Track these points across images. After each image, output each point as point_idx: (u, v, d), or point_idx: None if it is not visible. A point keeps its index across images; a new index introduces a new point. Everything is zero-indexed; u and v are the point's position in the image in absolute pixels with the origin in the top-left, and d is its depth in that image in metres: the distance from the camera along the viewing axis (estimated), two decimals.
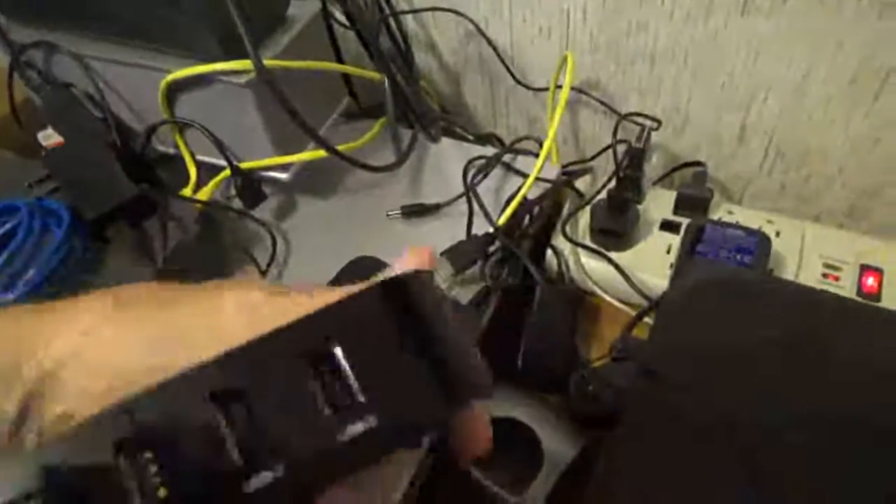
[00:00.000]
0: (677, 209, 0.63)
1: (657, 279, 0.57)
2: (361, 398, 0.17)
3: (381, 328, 0.18)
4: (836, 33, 0.54)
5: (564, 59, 0.62)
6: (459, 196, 0.62)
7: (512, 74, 0.70)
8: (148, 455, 0.17)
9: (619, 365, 0.54)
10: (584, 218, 0.63)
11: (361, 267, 0.56)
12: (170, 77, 0.52)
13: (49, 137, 0.56)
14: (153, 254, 0.52)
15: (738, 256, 0.54)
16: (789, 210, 0.70)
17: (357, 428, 0.17)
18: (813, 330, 0.39)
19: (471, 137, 0.73)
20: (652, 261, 0.59)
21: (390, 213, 0.62)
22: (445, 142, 0.69)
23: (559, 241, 0.62)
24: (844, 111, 0.59)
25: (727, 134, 0.66)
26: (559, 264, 0.61)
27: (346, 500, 0.20)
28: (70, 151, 0.55)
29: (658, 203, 0.64)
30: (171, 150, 0.61)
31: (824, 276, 0.57)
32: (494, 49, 0.69)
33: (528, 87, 0.71)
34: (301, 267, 0.59)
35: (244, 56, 0.48)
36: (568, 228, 0.62)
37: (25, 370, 0.21)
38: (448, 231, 0.58)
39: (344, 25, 0.62)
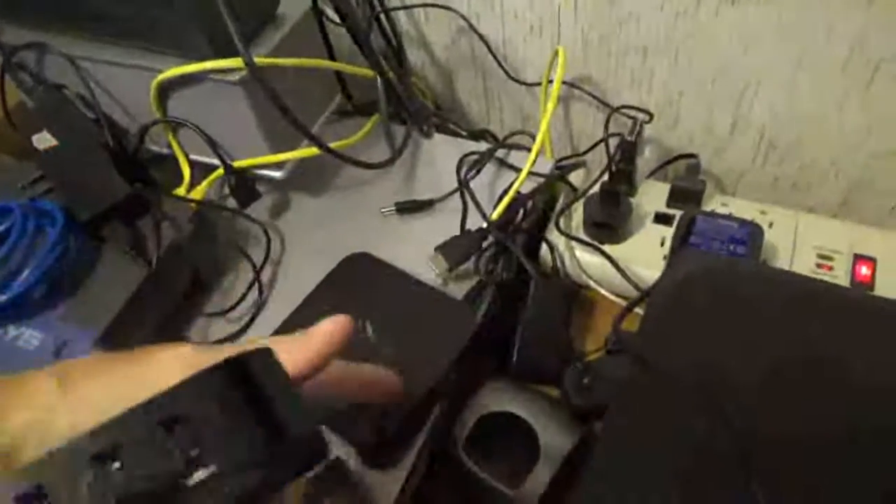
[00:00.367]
0: (671, 202, 0.63)
1: (651, 272, 0.58)
2: (203, 452, 0.22)
3: (223, 399, 0.23)
4: (826, 22, 0.54)
5: (556, 54, 0.62)
6: (453, 192, 0.62)
7: (504, 70, 0.71)
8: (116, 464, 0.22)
9: (614, 357, 0.54)
10: (578, 212, 0.63)
11: (356, 264, 0.56)
12: (161, 76, 0.52)
13: (44, 141, 0.56)
14: (147, 254, 0.52)
15: (731, 247, 0.55)
16: (783, 201, 0.70)
17: (200, 474, 0.22)
18: (805, 319, 0.39)
19: (464, 133, 0.73)
20: (646, 253, 0.59)
21: (384, 209, 0.62)
22: (439, 138, 0.69)
23: (553, 235, 0.62)
24: (836, 100, 0.59)
25: (720, 126, 0.66)
26: (553, 258, 0.61)
27: None
28: (63, 152, 0.55)
29: (651, 196, 0.64)
30: (165, 150, 0.61)
31: (818, 266, 0.57)
32: (486, 45, 0.69)
33: (520, 83, 0.71)
34: (295, 265, 0.59)
35: (235, 54, 0.48)
36: (562, 222, 0.62)
37: None
38: (442, 226, 0.58)
39: (335, 23, 0.62)
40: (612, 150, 0.63)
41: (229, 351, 0.26)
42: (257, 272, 0.57)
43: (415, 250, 0.57)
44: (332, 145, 0.56)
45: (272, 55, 0.53)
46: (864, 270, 0.56)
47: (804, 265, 0.57)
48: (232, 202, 0.60)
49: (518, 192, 0.60)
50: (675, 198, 0.63)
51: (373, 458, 0.46)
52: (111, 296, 0.50)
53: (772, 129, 0.64)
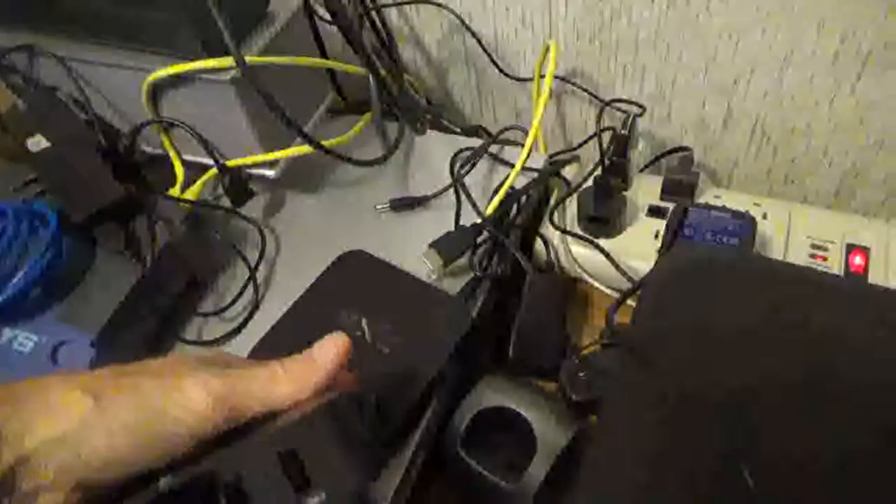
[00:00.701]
0: (664, 195, 0.63)
1: (646, 264, 0.58)
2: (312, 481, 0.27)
3: (327, 434, 0.28)
4: (816, 12, 0.54)
5: (547, 49, 0.62)
6: (447, 188, 0.62)
7: (497, 66, 0.71)
8: None
9: (610, 351, 0.54)
10: (572, 206, 0.63)
11: (351, 262, 0.56)
12: (152, 77, 0.52)
13: (38, 145, 0.56)
14: (141, 254, 0.52)
15: (725, 239, 0.55)
16: (777, 193, 0.70)
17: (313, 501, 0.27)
18: (797, 306, 0.39)
19: (457, 130, 0.73)
20: (640, 246, 0.60)
21: (378, 206, 0.62)
22: (432, 134, 0.69)
23: (547, 229, 0.62)
24: (828, 91, 0.59)
25: (712, 118, 0.66)
26: (548, 252, 0.61)
27: None
28: (56, 154, 0.55)
29: (645, 189, 0.64)
30: (158, 151, 0.61)
31: (812, 256, 0.57)
32: (478, 41, 0.69)
33: (513, 78, 0.71)
34: (291, 263, 0.59)
35: (226, 54, 0.48)
36: (556, 217, 0.62)
37: (5, 450, 0.25)
38: (436, 223, 0.58)
39: (326, 21, 0.62)
40: (605, 143, 0.63)
41: (242, 375, 0.31)
42: (252, 271, 0.57)
43: (409, 247, 0.57)
44: (326, 143, 0.56)
45: (263, 54, 0.53)
46: (858, 260, 0.57)
47: (798, 256, 0.57)
48: (226, 202, 0.60)
49: (512, 188, 0.60)
50: (668, 191, 0.63)
51: (370, 455, 0.46)
52: (106, 297, 0.50)
53: (764, 121, 0.64)
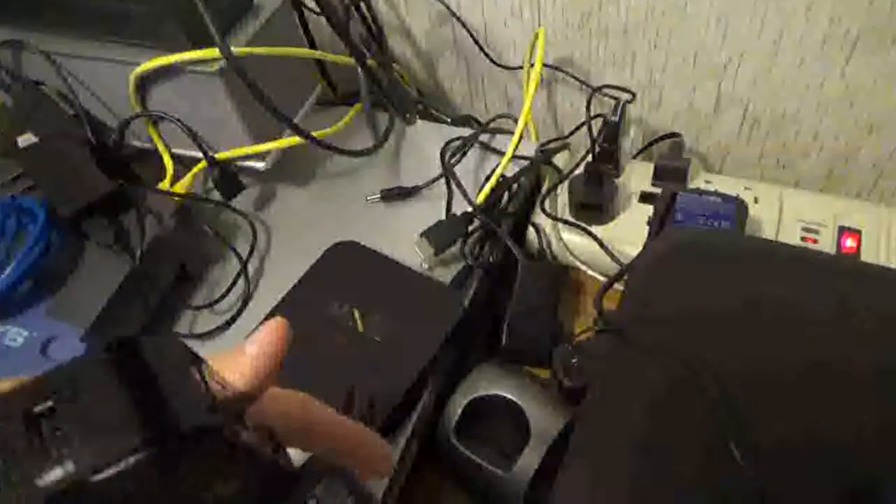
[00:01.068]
0: (656, 181, 0.63)
1: (638, 251, 0.57)
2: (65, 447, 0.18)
3: (101, 387, 0.19)
4: None
5: (536, 36, 0.62)
6: (438, 177, 0.62)
7: (486, 55, 0.70)
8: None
9: (603, 337, 0.54)
10: (563, 193, 0.63)
11: (342, 252, 0.56)
12: (138, 69, 0.52)
13: (28, 141, 0.56)
14: (131, 248, 0.51)
15: (716, 224, 0.55)
16: (768, 177, 0.70)
17: (56, 473, 0.18)
18: (786, 286, 0.39)
19: (447, 119, 0.73)
20: (632, 233, 0.60)
21: (369, 197, 0.62)
22: (422, 124, 0.69)
23: (539, 217, 0.62)
24: (817, 75, 0.59)
25: (703, 104, 0.66)
26: (540, 240, 0.61)
27: None
28: (44, 149, 0.55)
29: (637, 175, 0.64)
30: (147, 145, 0.61)
31: (803, 239, 0.58)
32: (468, 30, 0.69)
33: (502, 67, 0.71)
34: (282, 255, 0.59)
35: (212, 45, 0.48)
36: (547, 204, 0.62)
37: None
38: (428, 213, 0.58)
39: (314, 11, 0.62)
40: (595, 131, 0.63)
41: None
42: (243, 264, 0.57)
43: (401, 237, 0.57)
44: (316, 134, 0.56)
45: (250, 45, 0.53)
46: (850, 242, 0.57)
47: (789, 239, 0.57)
48: (216, 195, 0.60)
49: (503, 176, 0.60)
50: (660, 177, 0.63)
51: None
52: (96, 291, 0.49)
53: (755, 105, 0.64)
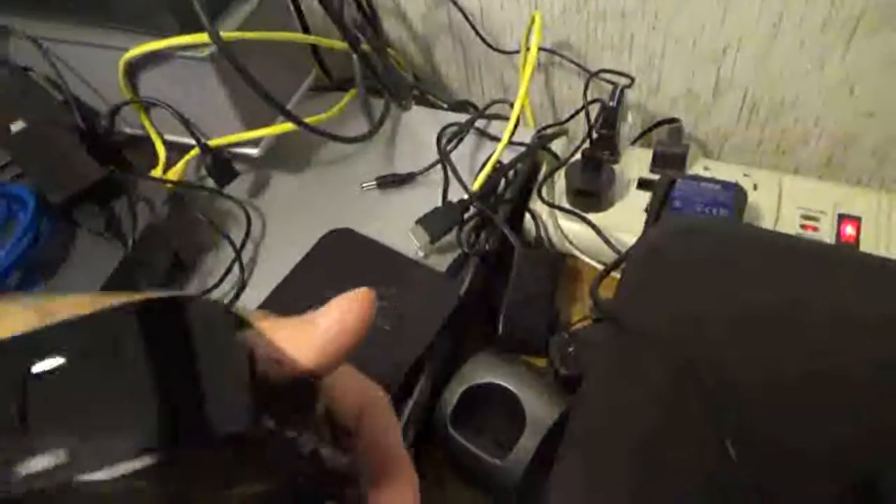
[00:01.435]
0: (654, 167, 0.62)
1: (636, 238, 0.57)
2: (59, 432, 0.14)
3: (119, 354, 0.15)
4: None
5: (533, 20, 0.61)
6: (433, 164, 0.61)
7: (483, 39, 0.69)
8: None
9: (599, 326, 0.54)
10: (560, 180, 0.62)
11: (337, 240, 0.55)
12: (128, 55, 0.51)
13: (18, 128, 0.55)
14: (123, 236, 0.51)
15: (715, 210, 0.54)
16: (768, 163, 0.70)
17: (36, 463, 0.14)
18: (786, 276, 0.38)
19: (443, 105, 0.72)
20: (630, 220, 0.59)
21: (365, 184, 0.61)
22: (418, 110, 0.68)
23: (536, 204, 0.61)
24: (817, 59, 0.58)
25: (702, 89, 0.65)
26: (537, 228, 0.60)
27: None
28: (33, 135, 0.54)
29: (635, 162, 0.64)
30: (139, 131, 0.60)
31: (802, 227, 0.57)
32: (464, 14, 0.68)
33: (499, 52, 0.70)
34: (276, 243, 0.59)
35: (202, 29, 0.47)
36: (544, 191, 0.61)
37: None
38: (423, 199, 0.58)
39: None
40: (593, 116, 0.62)
41: None
42: (238, 251, 0.56)
43: (396, 224, 0.56)
44: (309, 120, 0.56)
45: (241, 29, 0.52)
46: (849, 230, 0.56)
47: (789, 226, 0.57)
48: (210, 182, 0.59)
49: (499, 162, 0.59)
50: (658, 163, 0.62)
51: None
52: (88, 280, 0.49)
53: (754, 91, 0.63)
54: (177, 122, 0.56)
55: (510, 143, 0.60)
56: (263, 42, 0.54)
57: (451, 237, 0.56)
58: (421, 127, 0.67)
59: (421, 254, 0.55)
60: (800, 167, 0.68)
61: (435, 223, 0.55)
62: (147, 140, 0.60)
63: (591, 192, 0.59)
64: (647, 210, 0.59)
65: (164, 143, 0.60)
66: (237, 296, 0.55)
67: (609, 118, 0.60)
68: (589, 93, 0.64)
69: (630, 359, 0.37)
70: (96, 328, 0.15)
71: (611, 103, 0.60)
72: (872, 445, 0.32)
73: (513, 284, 0.55)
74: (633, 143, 0.69)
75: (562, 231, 0.60)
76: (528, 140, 0.63)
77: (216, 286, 0.55)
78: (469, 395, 0.49)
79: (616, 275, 0.48)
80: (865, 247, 0.55)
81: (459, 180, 0.58)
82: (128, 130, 0.61)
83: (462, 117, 0.66)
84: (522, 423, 0.46)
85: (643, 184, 0.62)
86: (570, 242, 0.60)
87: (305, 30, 0.63)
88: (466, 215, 0.56)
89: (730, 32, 0.59)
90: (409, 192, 0.61)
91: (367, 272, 0.53)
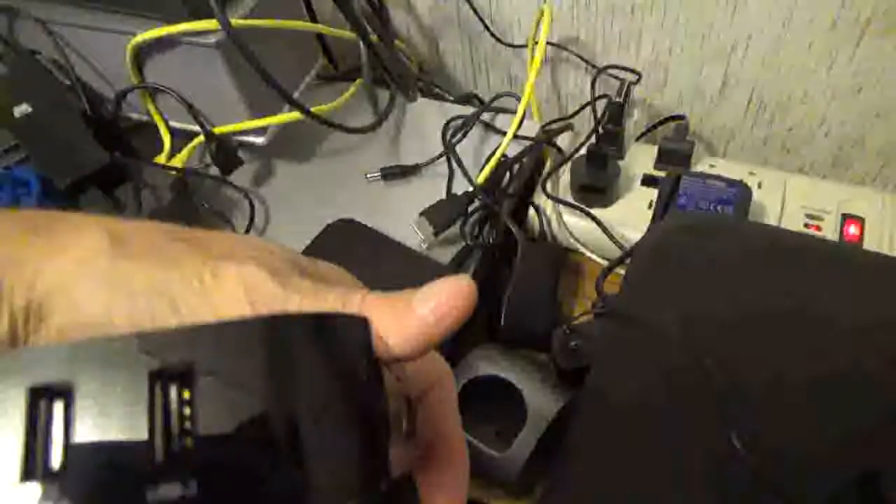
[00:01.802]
0: (659, 164, 0.62)
1: (640, 234, 0.57)
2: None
3: (262, 371, 0.15)
4: None
5: (542, 13, 0.61)
6: (439, 156, 0.61)
7: (490, 32, 0.69)
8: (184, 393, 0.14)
9: (602, 320, 0.54)
10: (565, 175, 0.62)
11: (341, 231, 0.55)
12: (136, 40, 0.51)
13: (24, 112, 0.55)
14: None
15: (719, 208, 0.54)
16: (773, 162, 0.70)
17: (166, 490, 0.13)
18: (790, 273, 0.38)
19: (450, 97, 0.72)
20: (634, 216, 0.59)
21: (369, 175, 0.61)
22: (424, 102, 0.68)
23: (540, 198, 0.61)
24: (826, 59, 0.58)
25: (709, 86, 0.65)
26: (540, 222, 0.60)
27: None
28: (39, 120, 0.54)
29: (640, 158, 0.63)
30: (144, 117, 0.60)
31: (806, 226, 0.57)
32: (472, 6, 0.68)
33: (506, 45, 0.70)
34: (280, 232, 0.59)
35: (211, 16, 0.47)
36: (549, 186, 0.61)
37: (13, 295, 0.18)
38: (428, 192, 0.58)
39: None
40: (599, 111, 0.62)
41: (312, 292, 0.19)
42: None
43: (400, 215, 0.56)
44: (315, 110, 0.55)
45: (250, 17, 0.52)
46: (853, 230, 0.56)
47: (792, 225, 0.57)
48: (214, 170, 0.59)
49: (504, 156, 0.59)
50: (663, 159, 0.62)
51: None
52: None
53: (761, 89, 0.63)
54: (182, 109, 0.56)
55: (516, 136, 0.60)
56: (271, 30, 0.54)
57: (454, 230, 0.56)
58: (427, 119, 0.66)
59: (424, 246, 0.55)
60: (805, 166, 0.68)
61: (439, 215, 0.55)
62: (152, 126, 0.60)
63: (596, 188, 0.59)
64: (651, 206, 0.59)
65: (170, 129, 0.59)
66: None
67: (615, 114, 0.60)
68: (596, 88, 0.63)
69: (636, 354, 0.37)
70: (230, 338, 0.15)
71: (617, 99, 0.60)
72: (876, 442, 0.32)
73: (516, 278, 0.55)
74: (639, 139, 0.69)
75: (565, 226, 0.60)
76: (533, 134, 0.63)
77: None
78: (470, 387, 0.49)
79: (620, 270, 0.48)
80: (868, 247, 0.55)
81: (464, 173, 0.58)
82: (133, 116, 0.61)
83: (468, 110, 0.66)
84: (523, 417, 0.46)
85: (648, 180, 0.62)
86: (574, 237, 0.60)
87: (313, 18, 0.63)
88: (471, 208, 0.56)
89: (738, 30, 0.59)
90: (413, 184, 0.61)
91: (370, 263, 0.53)
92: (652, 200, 0.60)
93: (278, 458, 0.14)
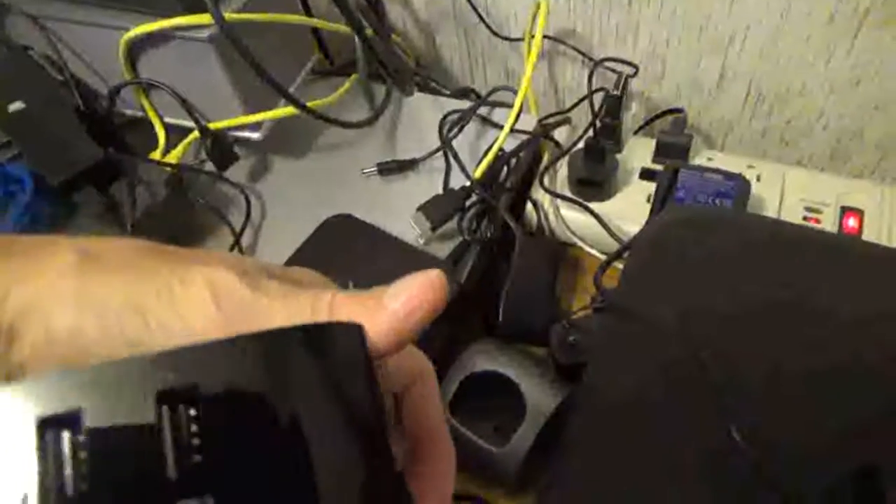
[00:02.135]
0: (657, 157, 0.62)
1: (637, 228, 0.56)
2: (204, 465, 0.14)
3: (266, 386, 0.15)
4: None
5: (538, 6, 0.61)
6: (436, 151, 0.61)
7: (487, 25, 0.69)
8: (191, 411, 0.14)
9: (600, 315, 0.53)
10: (563, 169, 0.62)
11: (337, 226, 0.55)
12: (128, 35, 0.51)
13: (17, 108, 0.55)
14: (122, 219, 0.50)
15: (718, 201, 0.54)
16: (772, 155, 0.69)
17: None
18: (790, 266, 0.38)
19: (446, 91, 0.72)
20: (632, 210, 0.59)
21: (366, 170, 0.61)
22: (420, 97, 0.68)
23: (538, 192, 0.61)
24: (824, 51, 0.58)
25: (707, 78, 0.65)
26: (538, 216, 0.60)
27: None
28: (32, 116, 0.53)
29: (638, 151, 0.63)
30: (139, 113, 0.60)
31: (805, 219, 0.57)
32: (468, 0, 0.67)
33: (503, 38, 0.69)
34: (276, 228, 0.58)
35: (204, 10, 0.47)
36: (546, 180, 0.61)
37: None
38: (425, 187, 0.57)
39: None
40: (597, 105, 0.62)
41: (294, 303, 0.19)
42: (237, 236, 0.56)
43: (397, 210, 0.56)
44: (311, 104, 0.55)
45: (243, 10, 0.51)
46: (852, 222, 0.56)
47: (791, 218, 0.57)
48: (210, 166, 0.59)
49: (501, 150, 0.59)
50: (661, 153, 0.62)
51: None
52: None
53: (759, 81, 0.63)
54: (177, 105, 0.55)
55: (513, 130, 0.59)
56: (265, 24, 0.53)
57: (452, 224, 0.55)
58: (423, 113, 0.66)
59: (422, 241, 0.55)
60: (804, 159, 0.68)
61: (436, 210, 0.54)
62: (147, 122, 0.59)
63: (594, 182, 0.59)
64: (649, 200, 0.59)
65: (164, 125, 0.59)
66: None
67: (613, 107, 0.60)
68: (593, 81, 0.63)
69: (634, 348, 0.37)
70: (218, 359, 0.15)
71: (615, 92, 0.59)
72: (875, 435, 0.32)
73: (514, 273, 0.54)
74: (637, 132, 0.69)
75: (563, 220, 0.60)
76: (530, 128, 0.63)
77: None
78: (469, 383, 0.48)
79: (618, 264, 0.48)
80: (868, 239, 0.55)
81: (461, 167, 0.57)
82: (128, 112, 0.60)
83: (465, 104, 0.65)
84: (522, 412, 0.46)
85: (646, 174, 0.61)
86: (572, 231, 0.60)
87: (308, 12, 0.62)
88: (468, 203, 0.56)
89: (736, 22, 0.59)
90: (410, 179, 0.61)
91: (367, 258, 0.52)
92: (650, 194, 0.59)
93: (288, 466, 0.15)
